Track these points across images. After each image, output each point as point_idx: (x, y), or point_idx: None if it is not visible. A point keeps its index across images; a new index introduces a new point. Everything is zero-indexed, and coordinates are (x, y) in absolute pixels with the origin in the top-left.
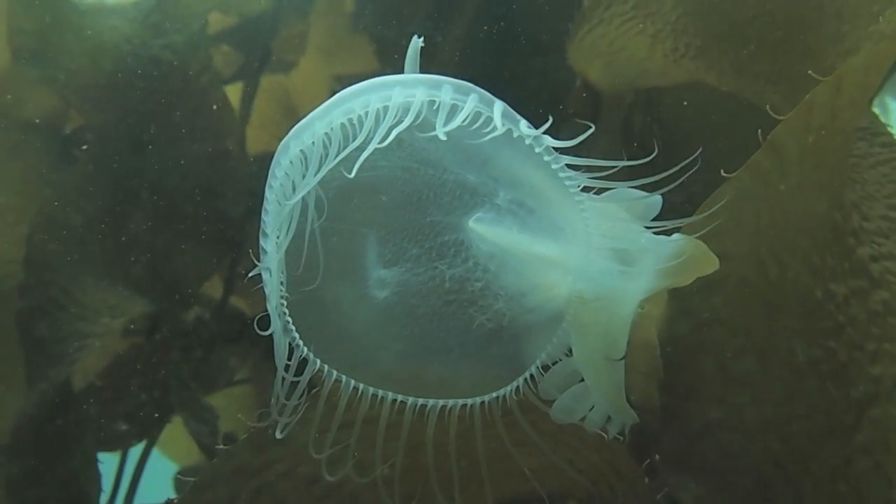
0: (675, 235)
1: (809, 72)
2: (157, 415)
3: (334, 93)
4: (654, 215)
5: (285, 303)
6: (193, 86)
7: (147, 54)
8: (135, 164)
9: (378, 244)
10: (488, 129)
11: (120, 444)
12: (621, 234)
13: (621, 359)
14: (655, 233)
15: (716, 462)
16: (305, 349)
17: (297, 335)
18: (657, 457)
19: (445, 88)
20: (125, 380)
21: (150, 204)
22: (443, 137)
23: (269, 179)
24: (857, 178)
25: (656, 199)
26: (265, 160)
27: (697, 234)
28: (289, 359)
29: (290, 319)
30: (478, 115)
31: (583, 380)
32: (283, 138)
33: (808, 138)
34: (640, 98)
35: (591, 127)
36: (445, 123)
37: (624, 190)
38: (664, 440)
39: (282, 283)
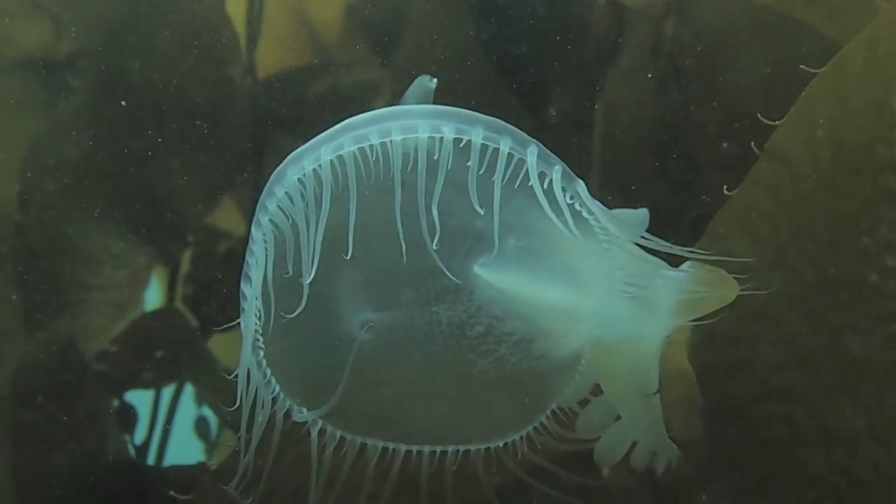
0: (688, 265)
1: (802, 66)
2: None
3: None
4: (645, 228)
5: (262, 352)
6: (195, 4)
7: None
8: (132, 94)
9: (367, 287)
10: (520, 178)
11: (148, 386)
12: (637, 274)
13: (655, 393)
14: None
15: (775, 485)
16: (288, 400)
17: (276, 386)
18: (704, 497)
19: (478, 128)
20: (140, 343)
21: (150, 137)
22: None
23: (258, 213)
24: None
25: (643, 213)
26: (275, 81)
27: (711, 259)
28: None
29: (268, 371)
30: (510, 157)
31: (619, 418)
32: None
33: (817, 132)
34: (671, 8)
35: None
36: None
37: (611, 212)
38: (713, 471)
39: (258, 329)
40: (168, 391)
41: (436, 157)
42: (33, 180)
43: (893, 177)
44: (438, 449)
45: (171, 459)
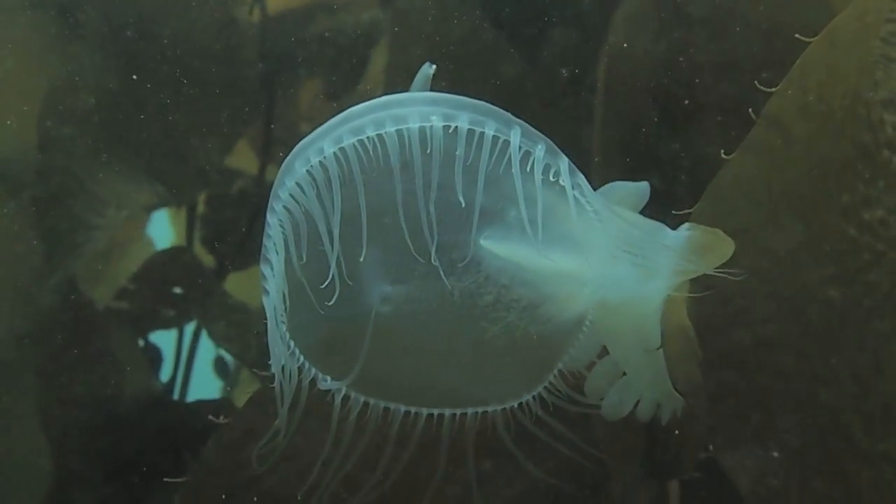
0: (686, 226)
1: (797, 35)
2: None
3: None
4: (646, 201)
5: (285, 327)
6: None
7: None
8: (141, 38)
9: (381, 263)
10: (505, 159)
11: (164, 325)
12: (635, 237)
13: (658, 348)
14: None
15: (769, 431)
16: (312, 369)
17: (301, 358)
18: (711, 448)
19: (463, 114)
20: (154, 282)
21: (160, 80)
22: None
23: (272, 202)
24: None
25: (644, 186)
26: (279, 22)
27: (708, 219)
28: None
29: (291, 343)
30: (496, 138)
31: (625, 374)
32: None
33: (809, 97)
34: None
35: None
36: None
37: (612, 184)
38: (714, 421)
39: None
40: (185, 330)
41: (429, 148)
42: (50, 126)
43: (869, 134)
44: (458, 411)
45: (194, 395)
